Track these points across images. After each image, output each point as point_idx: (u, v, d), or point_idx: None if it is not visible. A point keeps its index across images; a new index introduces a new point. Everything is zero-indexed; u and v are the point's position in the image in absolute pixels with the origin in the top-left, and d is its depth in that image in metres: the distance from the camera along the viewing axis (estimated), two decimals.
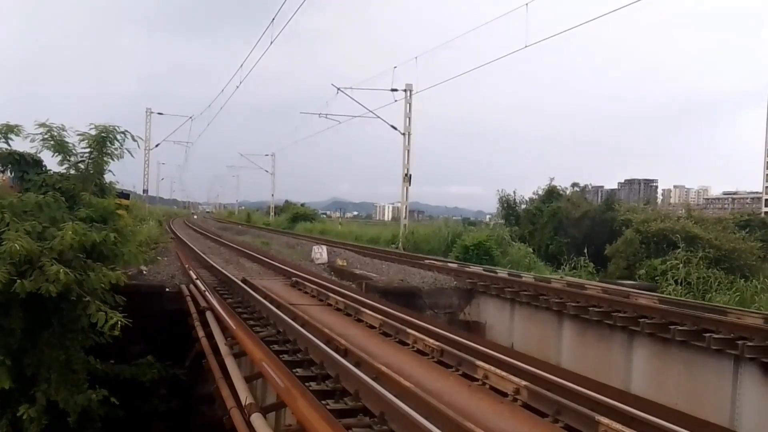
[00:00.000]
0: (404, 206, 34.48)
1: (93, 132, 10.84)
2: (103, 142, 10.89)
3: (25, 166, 11.18)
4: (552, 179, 39.96)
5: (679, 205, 56.92)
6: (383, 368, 6.29)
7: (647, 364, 10.58)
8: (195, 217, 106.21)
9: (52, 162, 11.35)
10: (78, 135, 10.82)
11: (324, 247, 22.83)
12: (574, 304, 12.17)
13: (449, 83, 29.96)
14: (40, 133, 10.64)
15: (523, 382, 5.96)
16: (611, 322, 11.08)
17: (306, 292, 13.10)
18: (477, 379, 6.54)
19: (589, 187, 48.27)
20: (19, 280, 8.54)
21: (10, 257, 8.56)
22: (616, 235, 30.11)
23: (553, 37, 20.65)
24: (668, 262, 24.22)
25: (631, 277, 24.29)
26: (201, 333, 9.46)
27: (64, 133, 10.85)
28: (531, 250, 29.43)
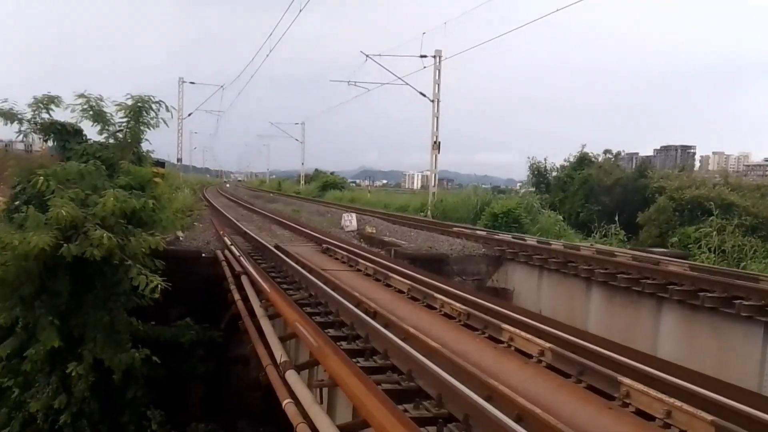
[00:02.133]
0: (433, 174, 34.47)
1: (129, 102, 11.13)
2: (139, 111, 11.17)
3: (66, 135, 11.51)
4: (584, 146, 39.47)
5: (716, 172, 55.54)
6: (411, 330, 6.51)
7: (675, 330, 10.63)
8: (227, 185, 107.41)
9: (91, 131, 11.69)
10: (115, 105, 11.13)
11: (353, 215, 23.03)
12: (602, 271, 12.24)
13: (479, 49, 29.57)
14: (80, 104, 10.95)
15: (548, 344, 6.11)
16: (640, 288, 11.14)
17: (336, 258, 13.37)
18: (503, 342, 6.73)
19: (623, 153, 47.25)
20: (65, 245, 8.97)
21: (56, 223, 8.98)
22: (649, 203, 29.78)
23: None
24: (702, 230, 23.96)
25: (664, 245, 24.08)
26: (237, 296, 9.78)
27: (102, 103, 11.16)
28: (561, 217, 29.29)
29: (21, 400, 9.80)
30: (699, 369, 7.39)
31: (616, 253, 13.99)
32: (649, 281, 11.05)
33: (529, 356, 6.23)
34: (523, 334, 6.54)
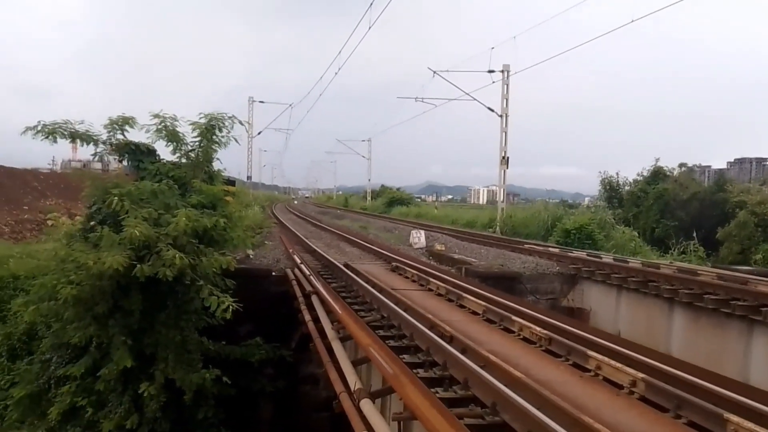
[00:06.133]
0: (502, 189, 33.85)
1: (202, 121, 11.23)
2: (211, 130, 11.27)
3: (140, 155, 11.70)
4: (657, 159, 38.21)
5: None
6: (491, 356, 6.17)
7: None
8: (295, 202, 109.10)
9: (164, 151, 11.87)
10: (189, 124, 11.25)
11: (422, 232, 22.70)
12: (687, 291, 11.61)
13: (548, 62, 28.90)
14: (154, 124, 11.10)
15: (640, 374, 5.67)
16: (729, 310, 10.50)
17: (406, 277, 13.12)
18: (589, 370, 6.31)
19: (696, 167, 45.61)
20: (138, 265, 9.04)
21: (130, 243, 9.06)
22: (728, 218, 28.49)
23: (663, 9, 19.45)
24: None
25: (746, 262, 22.97)
26: (307, 317, 9.64)
27: (176, 123, 11.29)
28: (636, 233, 28.25)
29: (94, 419, 9.86)
30: None
31: (698, 272, 13.24)
32: (738, 303, 10.37)
33: (620, 387, 5.79)
34: (611, 362, 6.10)
